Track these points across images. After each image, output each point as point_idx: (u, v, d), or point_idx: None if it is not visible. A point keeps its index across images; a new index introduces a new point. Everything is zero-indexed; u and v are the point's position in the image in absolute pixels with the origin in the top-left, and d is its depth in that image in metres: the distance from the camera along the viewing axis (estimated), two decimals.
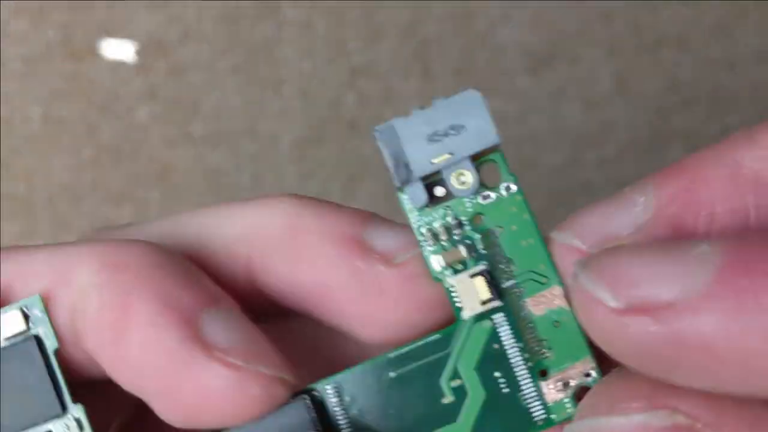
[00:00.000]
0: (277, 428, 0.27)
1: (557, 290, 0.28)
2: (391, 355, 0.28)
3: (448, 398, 0.28)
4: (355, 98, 0.65)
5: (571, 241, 0.28)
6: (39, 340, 0.29)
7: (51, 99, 0.64)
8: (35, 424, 0.28)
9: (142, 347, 0.27)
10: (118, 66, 0.66)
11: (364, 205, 0.31)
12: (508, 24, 0.66)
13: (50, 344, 0.29)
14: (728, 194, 0.25)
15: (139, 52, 0.66)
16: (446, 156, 0.28)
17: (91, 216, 0.66)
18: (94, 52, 0.65)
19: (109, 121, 0.64)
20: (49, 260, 0.28)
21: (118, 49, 0.66)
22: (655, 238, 0.26)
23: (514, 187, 0.29)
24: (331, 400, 0.28)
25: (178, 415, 0.27)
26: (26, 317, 0.29)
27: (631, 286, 0.23)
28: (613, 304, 0.23)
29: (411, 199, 0.28)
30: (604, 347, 0.25)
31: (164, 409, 0.28)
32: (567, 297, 0.28)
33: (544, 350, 0.28)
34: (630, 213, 0.27)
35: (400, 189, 0.28)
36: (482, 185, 0.29)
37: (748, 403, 0.23)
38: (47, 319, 0.29)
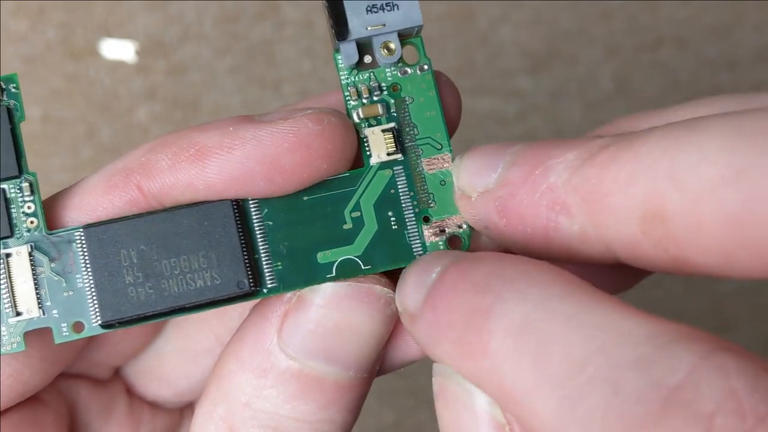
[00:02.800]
0: (203, 217, 0.33)
1: (447, 156, 0.34)
2: None
3: (348, 225, 0.34)
4: None
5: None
6: (10, 111, 0.33)
7: (51, 99, 0.63)
8: None
9: None
10: (118, 66, 0.66)
11: None
12: (508, 24, 0.66)
13: (19, 117, 0.33)
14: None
15: (139, 52, 0.66)
16: (380, 26, 0.34)
17: None
18: (94, 52, 0.65)
19: (108, 121, 0.63)
20: None
21: (118, 49, 0.66)
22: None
23: (426, 68, 0.35)
24: (252, 209, 0.34)
25: None
26: (2, 90, 0.33)
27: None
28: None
29: (344, 57, 0.34)
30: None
31: None
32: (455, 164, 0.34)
33: (430, 201, 0.34)
34: (491, 171, 0.32)
35: (336, 50, 0.35)
36: (402, 60, 0.35)
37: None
38: (20, 95, 0.33)
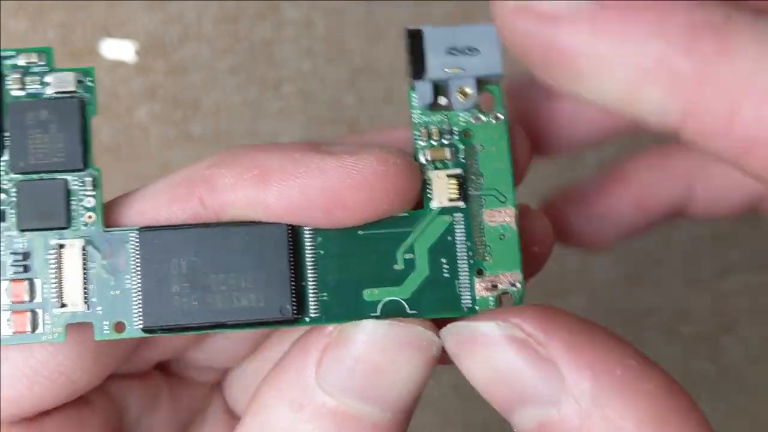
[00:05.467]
0: (257, 238, 0.33)
1: (510, 211, 0.34)
2: None
3: (399, 266, 0.33)
4: (355, 98, 0.64)
5: None
6: (83, 104, 0.33)
7: None
8: (56, 170, 0.33)
9: None
10: (118, 66, 0.65)
11: None
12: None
13: (91, 110, 0.33)
14: None
15: (138, 52, 0.66)
16: (458, 69, 0.34)
17: None
18: (93, 52, 0.65)
19: (108, 121, 0.64)
20: None
21: (118, 49, 0.65)
22: None
23: (501, 117, 0.34)
24: (306, 236, 0.34)
25: None
26: (80, 82, 0.33)
27: None
28: (510, 5, 0.28)
29: (419, 96, 0.34)
30: (506, 43, 0.30)
31: None
32: (516, 220, 0.34)
33: (486, 254, 0.33)
34: None
35: (412, 87, 0.34)
36: (477, 107, 0.34)
37: (575, 331, 0.29)
38: (95, 89, 0.33)
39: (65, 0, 0.64)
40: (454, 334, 0.31)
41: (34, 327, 0.32)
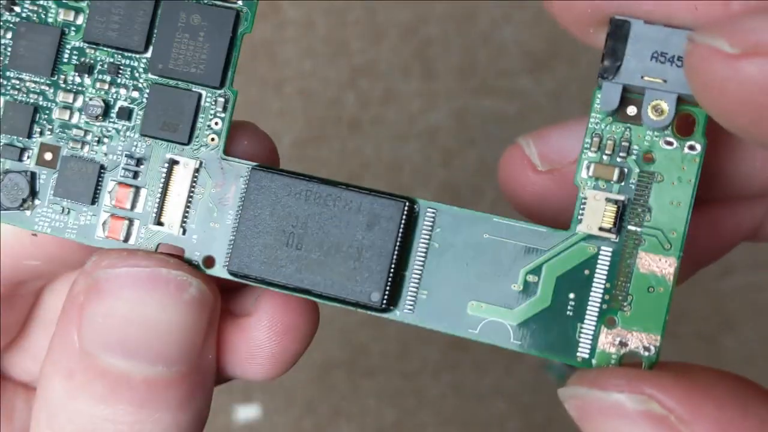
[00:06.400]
0: (368, 209, 0.29)
1: (672, 262, 0.27)
2: (496, 219, 0.29)
3: (517, 286, 0.28)
4: (355, 98, 0.63)
5: None
6: (238, 17, 0.30)
7: None
8: (192, 82, 0.30)
9: None
10: None
11: None
12: (510, 24, 0.63)
13: (245, 27, 0.30)
14: None
15: None
16: (659, 80, 0.27)
17: None
18: None
19: None
20: None
21: None
22: None
23: (698, 149, 0.27)
24: (425, 222, 0.29)
25: None
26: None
27: (749, 32, 0.22)
28: (729, 50, 0.23)
29: (603, 99, 0.28)
30: (712, 101, 0.24)
31: None
32: (675, 275, 0.27)
33: (625, 304, 0.27)
34: None
35: (599, 86, 0.28)
36: (672, 128, 0.28)
37: (726, 404, 0.22)
38: (256, 5, 0.30)
39: None
40: (577, 399, 0.26)
41: (127, 237, 0.31)
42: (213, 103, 0.31)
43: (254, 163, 0.30)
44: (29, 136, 0.31)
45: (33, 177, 0.31)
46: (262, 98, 0.64)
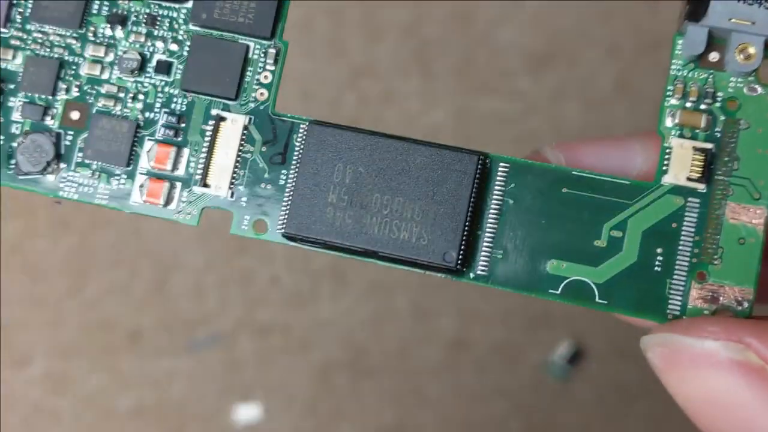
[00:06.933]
0: (439, 164, 0.27)
1: (762, 212, 0.26)
2: (575, 172, 0.27)
3: (601, 243, 0.26)
4: (355, 98, 0.63)
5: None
6: None
7: None
8: (240, 32, 0.28)
9: None
10: None
11: None
12: (509, 24, 0.64)
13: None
14: None
15: None
16: (748, 22, 0.26)
17: (93, 215, 0.65)
18: None
19: None
20: None
21: None
22: None
23: None
24: (498, 177, 0.28)
25: None
26: None
27: None
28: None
29: (687, 43, 0.26)
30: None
31: None
32: (766, 224, 0.26)
33: (715, 257, 0.26)
34: None
35: (681, 32, 0.27)
36: (757, 74, 0.27)
37: None
38: None
39: None
40: (662, 346, 0.25)
41: (168, 201, 0.28)
42: (262, 55, 0.29)
43: (311, 118, 0.28)
44: (54, 93, 0.29)
45: (58, 138, 0.29)
46: None
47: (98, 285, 0.64)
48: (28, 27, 0.29)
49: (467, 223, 0.26)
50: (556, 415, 0.61)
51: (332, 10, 0.63)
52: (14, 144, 0.28)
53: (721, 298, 0.26)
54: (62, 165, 0.29)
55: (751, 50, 0.26)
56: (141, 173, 0.28)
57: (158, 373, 0.62)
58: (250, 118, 0.28)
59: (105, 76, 0.29)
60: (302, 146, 0.28)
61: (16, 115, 0.29)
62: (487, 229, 0.27)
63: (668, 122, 0.27)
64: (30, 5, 0.29)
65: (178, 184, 0.28)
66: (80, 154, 0.29)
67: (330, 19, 0.63)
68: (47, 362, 0.64)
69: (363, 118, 0.63)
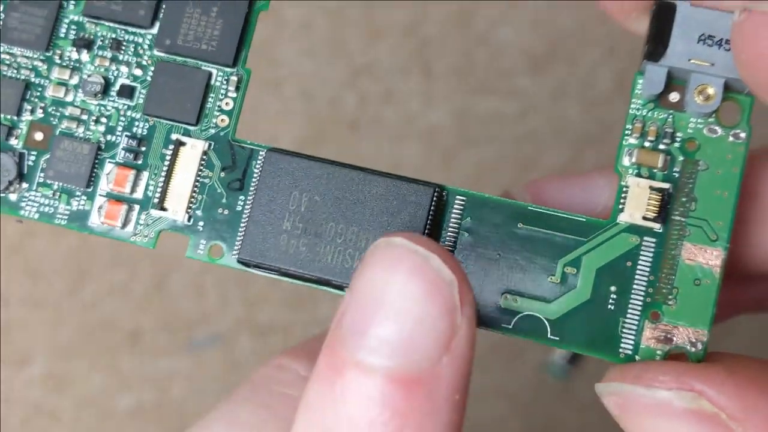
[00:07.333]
0: (395, 195, 0.27)
1: (718, 253, 0.26)
2: (531, 208, 0.27)
3: (554, 279, 0.26)
4: (355, 98, 0.62)
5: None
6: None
7: None
8: (203, 59, 0.29)
9: None
10: None
11: None
12: (508, 24, 0.63)
13: (261, 5, 0.29)
14: None
15: None
16: (706, 63, 0.26)
17: None
18: None
19: None
20: None
21: None
22: None
23: (743, 138, 0.26)
24: (454, 210, 0.27)
25: None
26: None
27: None
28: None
29: (646, 83, 0.26)
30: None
31: None
32: (722, 267, 0.26)
33: (670, 297, 0.26)
34: None
35: (641, 71, 0.27)
36: (716, 116, 0.27)
37: None
38: None
39: None
40: (615, 395, 0.24)
41: (125, 223, 0.28)
42: (224, 82, 0.29)
43: (269, 146, 0.28)
44: (19, 114, 0.29)
45: (21, 158, 0.29)
46: (262, 99, 0.63)
47: (98, 285, 0.64)
48: None
49: None
50: (556, 415, 0.60)
51: (332, 10, 0.63)
52: None
53: (674, 339, 0.25)
54: (24, 184, 0.29)
55: (710, 91, 0.26)
56: (101, 195, 0.28)
57: (158, 373, 0.62)
58: (210, 144, 0.28)
59: (69, 98, 0.29)
60: (259, 173, 0.28)
61: None
62: None
63: (626, 161, 0.27)
64: None
65: (136, 207, 0.28)
66: (42, 175, 0.29)
67: (330, 19, 0.63)
68: (47, 362, 0.63)
69: (363, 118, 0.62)
